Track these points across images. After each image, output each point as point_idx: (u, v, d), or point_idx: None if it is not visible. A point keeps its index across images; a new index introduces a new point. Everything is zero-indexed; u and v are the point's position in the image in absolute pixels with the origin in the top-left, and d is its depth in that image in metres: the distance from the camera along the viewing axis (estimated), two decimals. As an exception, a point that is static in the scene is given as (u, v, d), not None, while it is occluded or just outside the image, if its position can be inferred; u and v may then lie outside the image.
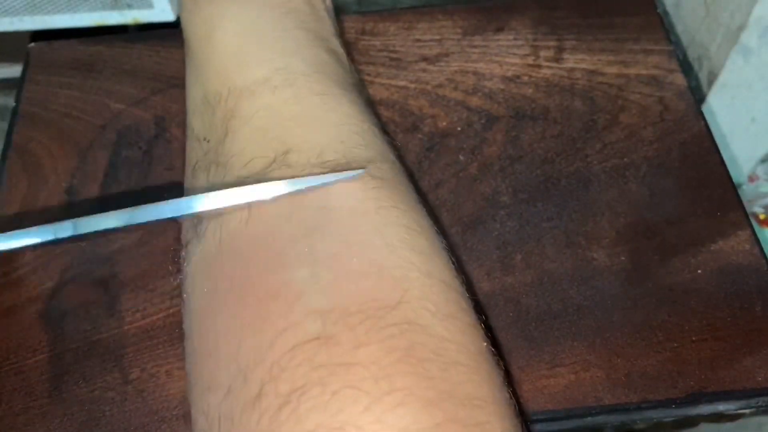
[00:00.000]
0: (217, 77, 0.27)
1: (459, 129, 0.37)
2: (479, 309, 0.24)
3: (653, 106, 0.37)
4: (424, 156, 0.36)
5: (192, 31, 0.29)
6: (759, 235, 0.33)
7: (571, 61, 0.39)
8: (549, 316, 0.30)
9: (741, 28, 0.40)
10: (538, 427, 0.28)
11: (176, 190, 0.28)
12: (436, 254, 0.23)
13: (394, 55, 0.40)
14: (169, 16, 0.40)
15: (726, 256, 0.32)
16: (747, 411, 0.29)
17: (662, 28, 0.40)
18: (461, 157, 0.36)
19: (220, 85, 0.27)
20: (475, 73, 0.39)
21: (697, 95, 0.42)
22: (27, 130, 0.38)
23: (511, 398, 0.22)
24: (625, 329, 0.30)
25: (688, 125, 0.36)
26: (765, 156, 0.50)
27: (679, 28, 0.47)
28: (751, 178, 0.53)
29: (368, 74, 0.39)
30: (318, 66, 0.27)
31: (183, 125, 0.36)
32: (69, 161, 0.36)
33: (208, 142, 0.26)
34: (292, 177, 0.23)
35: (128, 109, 0.38)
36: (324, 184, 0.23)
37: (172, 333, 0.31)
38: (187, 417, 0.28)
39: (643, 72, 0.39)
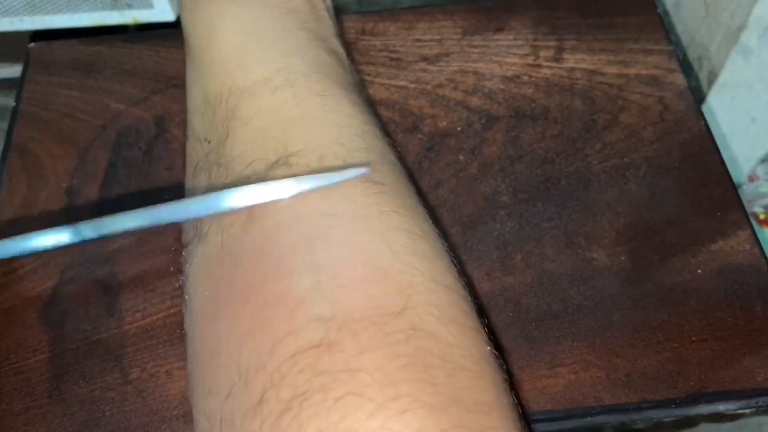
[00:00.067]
0: (218, 77, 0.27)
1: (459, 129, 0.37)
2: (481, 312, 0.24)
3: (653, 106, 0.37)
4: (424, 156, 0.36)
5: (192, 31, 0.29)
6: (759, 235, 0.33)
7: (571, 61, 0.39)
8: (549, 316, 0.30)
9: (741, 28, 0.40)
10: (538, 427, 0.28)
11: (177, 190, 0.28)
12: (438, 258, 0.23)
13: (394, 55, 0.40)
14: (169, 16, 0.40)
15: (726, 256, 0.32)
16: (747, 411, 0.29)
17: (662, 28, 0.40)
18: (461, 157, 0.36)
19: (221, 85, 0.27)
20: (475, 73, 0.39)
21: (697, 95, 0.42)
22: (27, 130, 0.38)
23: (515, 402, 0.22)
24: (625, 329, 0.30)
25: (688, 125, 0.36)
26: (765, 156, 0.50)
27: (679, 28, 0.47)
28: (751, 178, 0.53)
29: (368, 74, 0.39)
30: (318, 66, 0.27)
31: (183, 125, 0.36)
32: (69, 161, 0.36)
33: (209, 142, 0.26)
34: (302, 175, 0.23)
35: (128, 109, 0.38)
36: (335, 183, 0.22)
37: (173, 333, 0.31)
38: (187, 417, 0.28)
39: (643, 72, 0.39)
